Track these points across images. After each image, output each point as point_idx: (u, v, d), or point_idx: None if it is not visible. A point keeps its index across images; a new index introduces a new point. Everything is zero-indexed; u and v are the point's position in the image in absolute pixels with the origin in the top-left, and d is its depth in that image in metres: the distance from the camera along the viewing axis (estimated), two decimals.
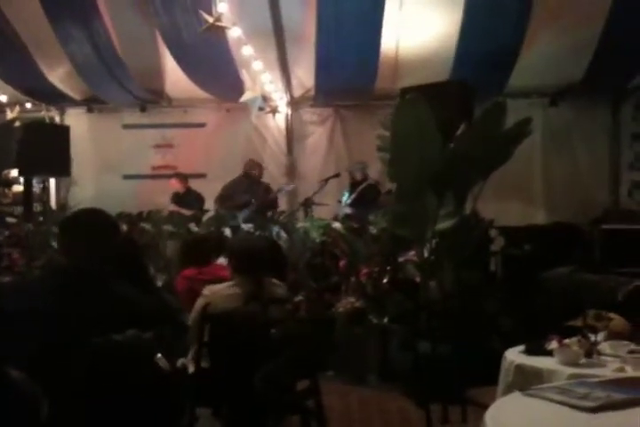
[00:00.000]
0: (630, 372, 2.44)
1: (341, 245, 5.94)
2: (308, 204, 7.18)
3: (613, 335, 2.80)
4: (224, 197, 7.67)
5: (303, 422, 1.85)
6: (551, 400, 1.84)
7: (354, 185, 7.55)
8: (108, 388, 2.06)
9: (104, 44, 7.30)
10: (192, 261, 4.30)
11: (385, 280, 5.27)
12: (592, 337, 2.68)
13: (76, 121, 9.06)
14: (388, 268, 5.29)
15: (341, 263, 5.91)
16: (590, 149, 8.28)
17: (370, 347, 5.01)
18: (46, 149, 7.23)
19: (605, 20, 6.48)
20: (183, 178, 8.39)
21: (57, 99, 8.86)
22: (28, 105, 8.97)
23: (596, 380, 2.10)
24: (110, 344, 2.08)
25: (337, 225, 6.13)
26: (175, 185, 8.34)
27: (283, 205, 8.16)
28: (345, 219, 6.78)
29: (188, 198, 8.20)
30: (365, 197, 7.26)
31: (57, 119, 9.29)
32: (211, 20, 5.97)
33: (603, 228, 5.87)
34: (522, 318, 4.58)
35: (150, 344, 2.20)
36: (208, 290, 3.32)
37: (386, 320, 4.94)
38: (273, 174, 8.43)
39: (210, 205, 7.88)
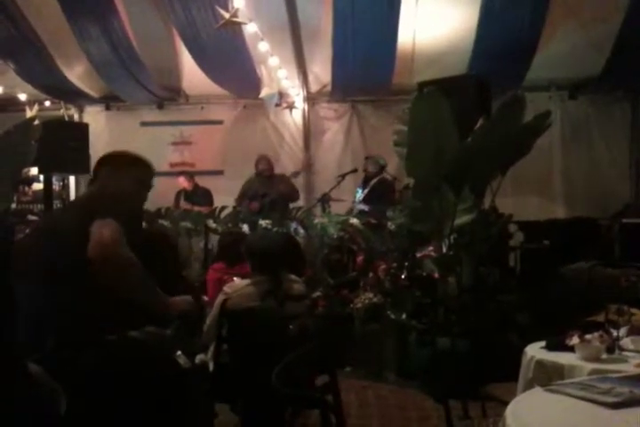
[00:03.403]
0: None
1: (359, 240, 5.93)
2: (325, 199, 7.16)
3: (635, 331, 2.76)
4: (239, 198, 7.69)
5: (322, 417, 1.86)
6: (573, 396, 1.82)
7: (367, 179, 7.53)
8: (126, 383, 2.07)
9: (121, 41, 7.33)
10: (224, 257, 4.59)
11: (403, 276, 5.25)
12: (614, 332, 2.65)
13: (95, 119, 9.13)
14: (406, 263, 5.27)
15: (359, 259, 5.90)
16: (610, 142, 8.18)
17: (388, 343, 5.00)
18: (65, 147, 7.27)
19: (625, 13, 6.39)
20: (190, 176, 8.42)
21: (75, 97, 8.93)
22: (47, 103, 9.05)
23: (618, 375, 2.07)
24: (126, 341, 2.08)
25: (354, 221, 6.11)
26: (183, 183, 8.38)
27: (300, 200, 8.14)
28: (360, 214, 6.76)
29: (198, 195, 8.24)
30: (378, 192, 7.23)
31: (75, 117, 9.37)
32: (227, 15, 5.97)
33: (623, 222, 5.81)
34: (541, 313, 4.54)
35: (170, 341, 2.20)
36: (229, 287, 3.34)
37: (404, 316, 4.92)
38: (290, 170, 8.41)
39: (228, 202, 7.88)
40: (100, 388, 2.06)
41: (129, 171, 2.72)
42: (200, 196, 8.23)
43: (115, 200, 2.53)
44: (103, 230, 2.24)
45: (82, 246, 2.22)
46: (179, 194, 8.41)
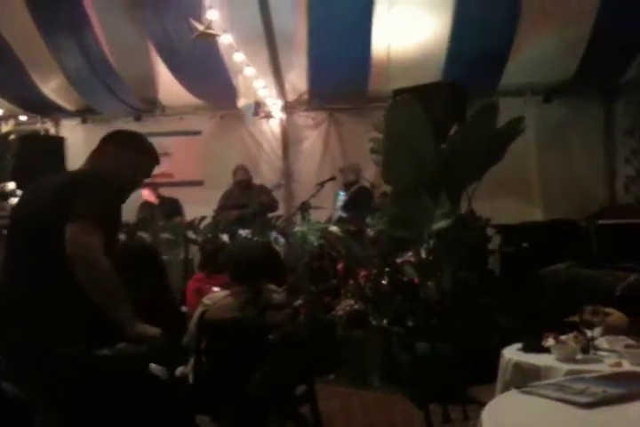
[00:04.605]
0: (627, 366, 2.44)
1: (339, 248, 5.94)
2: (304, 208, 7.17)
3: (610, 330, 2.80)
4: (219, 209, 7.66)
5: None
6: (547, 397, 1.84)
7: (346, 187, 7.59)
8: (100, 400, 2.04)
9: (96, 54, 7.32)
10: (205, 267, 4.69)
11: (384, 282, 5.27)
12: (588, 333, 2.68)
13: (71, 132, 9.07)
14: (387, 269, 5.29)
15: (340, 266, 5.90)
16: (585, 145, 8.27)
17: (370, 349, 5.00)
18: (42, 161, 7.24)
19: (595, 17, 6.50)
20: (155, 188, 7.97)
21: (51, 110, 8.89)
22: (23, 118, 8.98)
23: (593, 375, 2.10)
24: (93, 358, 2.04)
25: (334, 228, 6.13)
26: (149, 197, 7.98)
27: (280, 208, 8.14)
28: (340, 222, 6.78)
29: (167, 208, 7.86)
30: (357, 199, 7.27)
31: (52, 131, 9.31)
32: (201, 27, 5.98)
33: (599, 223, 5.87)
34: (521, 315, 4.58)
35: (144, 357, 2.15)
36: (208, 299, 3.33)
37: (386, 322, 4.93)
38: (269, 179, 8.43)
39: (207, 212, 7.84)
40: (74, 403, 2.04)
41: (133, 158, 2.52)
42: (169, 208, 7.86)
43: (102, 182, 2.33)
44: (75, 230, 2.10)
45: (56, 243, 2.10)
46: (144, 207, 7.97)
